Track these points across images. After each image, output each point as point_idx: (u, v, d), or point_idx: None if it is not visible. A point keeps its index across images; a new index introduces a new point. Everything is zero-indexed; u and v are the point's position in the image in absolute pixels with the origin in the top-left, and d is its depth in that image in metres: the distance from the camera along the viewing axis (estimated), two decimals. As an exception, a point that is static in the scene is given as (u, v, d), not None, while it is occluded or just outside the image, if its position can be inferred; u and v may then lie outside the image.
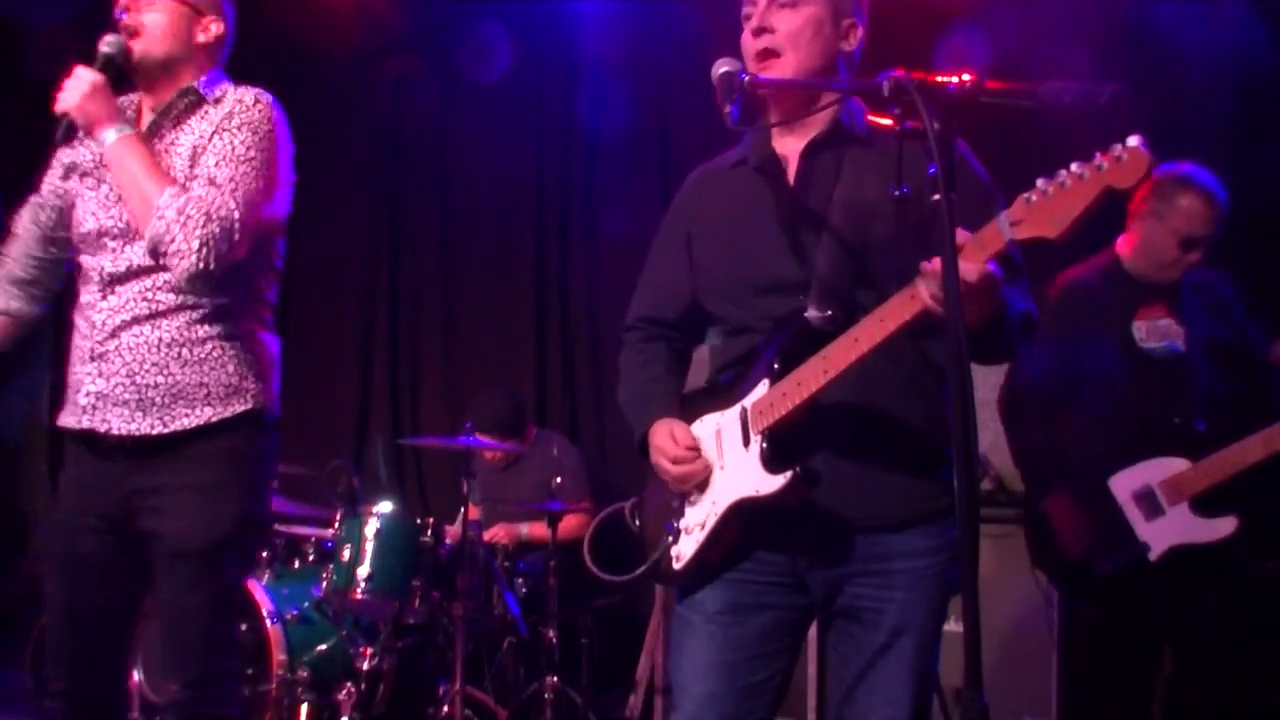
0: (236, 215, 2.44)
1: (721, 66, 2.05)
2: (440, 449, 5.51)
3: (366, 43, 6.24)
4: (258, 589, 4.52)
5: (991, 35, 4.66)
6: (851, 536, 2.08)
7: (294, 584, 4.68)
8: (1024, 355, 3.35)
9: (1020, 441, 3.50)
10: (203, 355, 2.54)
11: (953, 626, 3.93)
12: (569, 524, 4.85)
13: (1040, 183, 1.71)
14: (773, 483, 2.02)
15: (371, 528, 4.39)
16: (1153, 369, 3.28)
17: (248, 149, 2.51)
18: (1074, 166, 1.68)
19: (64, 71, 2.57)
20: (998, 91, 1.70)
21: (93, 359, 2.55)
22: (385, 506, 4.53)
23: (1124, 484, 3.24)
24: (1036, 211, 1.71)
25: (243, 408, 2.57)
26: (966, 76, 1.70)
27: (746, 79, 2.03)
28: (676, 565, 2.18)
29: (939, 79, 1.69)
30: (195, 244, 2.39)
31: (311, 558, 4.92)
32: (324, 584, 4.42)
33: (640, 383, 2.37)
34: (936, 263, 1.74)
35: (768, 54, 2.12)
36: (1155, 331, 3.32)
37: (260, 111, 2.56)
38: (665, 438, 2.19)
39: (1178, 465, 3.20)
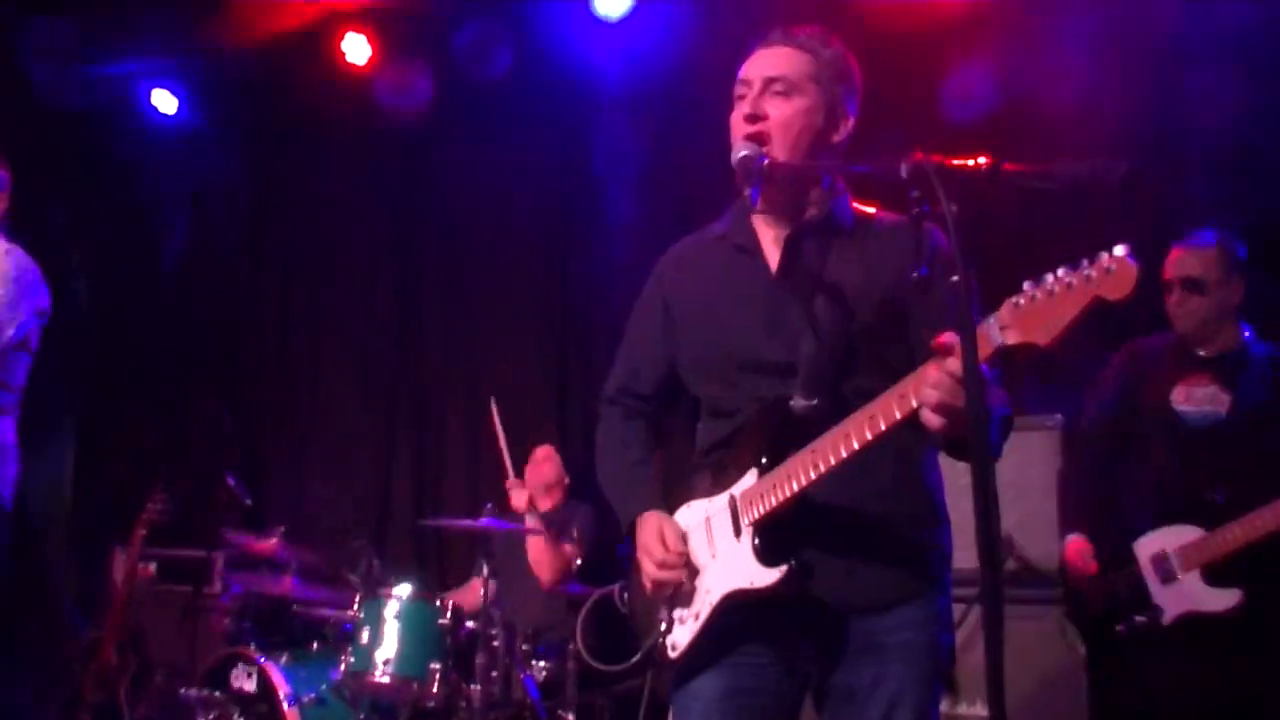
0: None
1: (740, 150, 2.08)
2: (460, 530, 5.48)
3: (387, 110, 6.36)
4: (275, 671, 4.50)
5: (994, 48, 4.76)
6: (841, 621, 2.09)
7: (312, 666, 4.66)
8: (1087, 409, 3.68)
9: (1070, 484, 3.74)
10: None
11: (979, 710, 3.95)
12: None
13: (1027, 286, 1.69)
14: (767, 576, 2.02)
15: (391, 610, 4.37)
16: (1186, 435, 3.38)
17: None
18: (1061, 273, 1.66)
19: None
20: (1014, 174, 1.71)
21: None
22: (404, 589, 4.51)
23: (1146, 547, 3.34)
24: (1025, 317, 1.69)
25: None
26: (983, 160, 1.71)
27: (766, 163, 2.06)
28: (672, 654, 2.18)
29: (956, 162, 1.71)
30: None
31: (330, 640, 4.89)
32: (342, 666, 4.39)
33: (622, 465, 2.39)
34: (945, 339, 1.75)
35: (757, 139, 2.12)
36: (1194, 397, 3.42)
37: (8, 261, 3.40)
38: (654, 537, 2.18)
39: (1192, 533, 3.28)
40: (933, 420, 1.80)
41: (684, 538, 2.19)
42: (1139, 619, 3.27)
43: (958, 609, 3.87)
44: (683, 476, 2.29)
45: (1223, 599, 3.19)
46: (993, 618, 1.59)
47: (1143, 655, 3.31)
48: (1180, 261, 3.44)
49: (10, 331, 3.44)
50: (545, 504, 5.23)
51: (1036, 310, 1.68)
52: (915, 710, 2.06)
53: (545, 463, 5.27)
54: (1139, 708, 3.36)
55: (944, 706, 4.00)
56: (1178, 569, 3.26)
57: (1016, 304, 1.71)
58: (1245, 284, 3.44)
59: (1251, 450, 3.32)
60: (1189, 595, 3.23)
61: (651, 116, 5.80)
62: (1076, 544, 3.48)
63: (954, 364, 1.74)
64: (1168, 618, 3.24)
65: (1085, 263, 1.64)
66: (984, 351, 1.72)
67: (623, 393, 2.45)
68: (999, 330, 1.72)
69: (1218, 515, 3.23)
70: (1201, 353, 3.45)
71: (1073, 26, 4.71)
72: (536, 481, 5.25)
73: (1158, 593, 3.27)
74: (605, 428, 2.47)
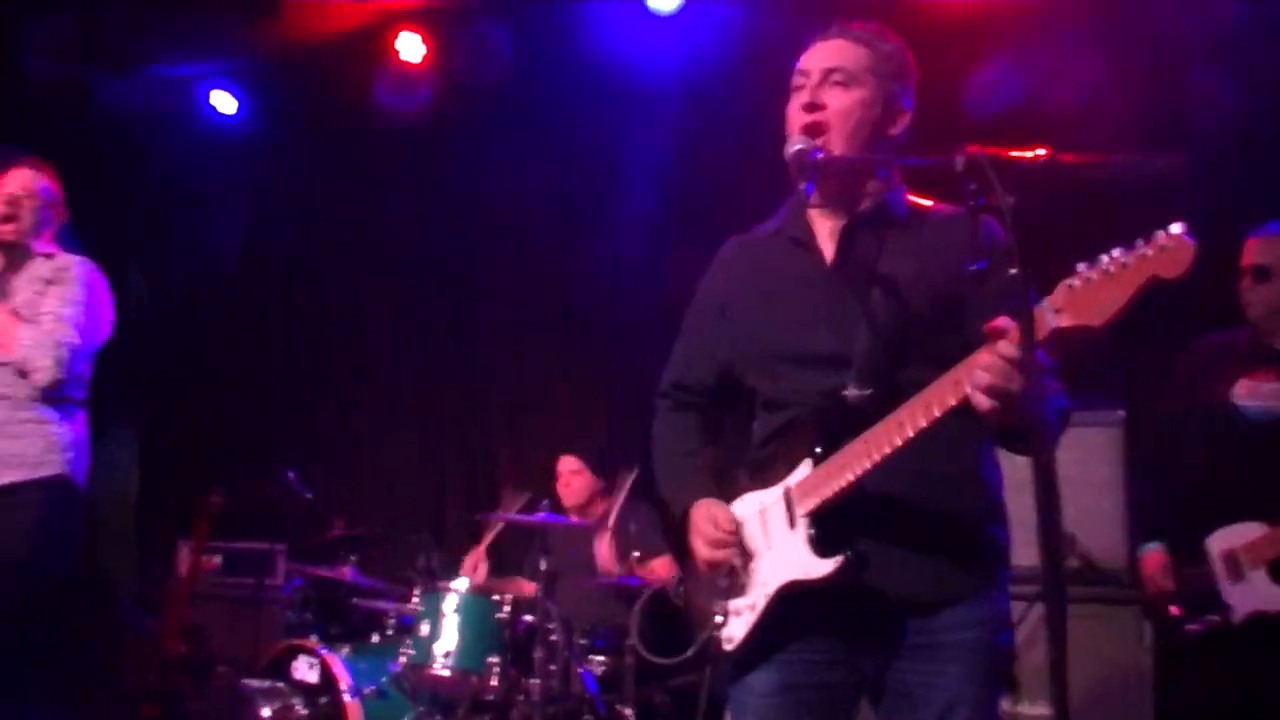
0: (77, 342, 3.50)
1: (795, 144, 2.08)
2: (515, 525, 5.51)
3: (441, 112, 6.41)
4: (336, 663, 4.56)
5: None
6: (898, 615, 2.06)
7: (372, 658, 4.71)
8: (1154, 408, 3.63)
9: (1136, 485, 3.66)
10: (19, 432, 3.44)
11: (1040, 709, 3.90)
12: (658, 571, 4.79)
13: (1082, 268, 1.67)
14: (822, 566, 2.01)
15: (450, 603, 4.41)
16: (1248, 432, 3.31)
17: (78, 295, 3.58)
18: (1117, 253, 1.64)
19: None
20: (1071, 165, 1.68)
21: None
22: (463, 583, 4.55)
23: (1216, 544, 3.28)
24: (1080, 299, 1.67)
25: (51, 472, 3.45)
26: (1040, 151, 1.69)
27: (820, 156, 2.05)
28: (728, 647, 2.17)
29: (1012, 154, 1.68)
30: (50, 362, 3.42)
31: (390, 632, 4.95)
32: (402, 659, 4.44)
33: (675, 457, 2.39)
34: (998, 323, 1.73)
35: (815, 129, 2.12)
36: (1259, 393, 3.34)
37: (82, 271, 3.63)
38: (705, 520, 2.19)
39: (1257, 530, 3.22)
40: (984, 404, 1.76)
41: (736, 522, 2.18)
42: (1211, 618, 3.21)
43: (1019, 607, 3.84)
44: (736, 471, 2.29)
45: None
46: (1055, 615, 1.57)
47: (1211, 656, 3.26)
48: (1252, 249, 3.40)
49: (96, 338, 3.66)
50: (594, 514, 5.20)
51: (1092, 291, 1.66)
52: (974, 711, 2.03)
53: (575, 476, 5.18)
54: (1204, 709, 3.30)
55: (1005, 705, 3.96)
56: (1245, 567, 3.20)
57: (1071, 286, 1.69)
58: None
59: None
60: (1257, 593, 3.17)
61: (704, 112, 5.79)
62: (1157, 558, 3.41)
63: (1007, 347, 1.72)
64: (1238, 616, 3.18)
65: (1141, 242, 1.62)
66: (1038, 335, 1.69)
67: (675, 387, 2.46)
68: (1053, 313, 1.69)
69: None
70: (1272, 343, 3.39)
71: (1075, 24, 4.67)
72: (571, 500, 5.18)
73: (1228, 591, 3.22)
74: (658, 422, 2.48)
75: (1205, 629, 3.24)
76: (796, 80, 2.21)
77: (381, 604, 5.03)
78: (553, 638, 4.35)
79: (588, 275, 6.25)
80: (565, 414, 6.24)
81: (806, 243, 2.23)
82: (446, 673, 4.33)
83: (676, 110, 5.89)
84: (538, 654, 4.23)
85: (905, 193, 2.25)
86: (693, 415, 2.43)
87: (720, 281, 2.39)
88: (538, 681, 4.19)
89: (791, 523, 2.08)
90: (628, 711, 4.44)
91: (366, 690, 4.52)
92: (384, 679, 4.58)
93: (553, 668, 4.33)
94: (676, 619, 2.42)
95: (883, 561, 2.02)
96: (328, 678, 4.56)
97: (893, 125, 2.20)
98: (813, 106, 2.14)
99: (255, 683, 4.64)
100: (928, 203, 2.25)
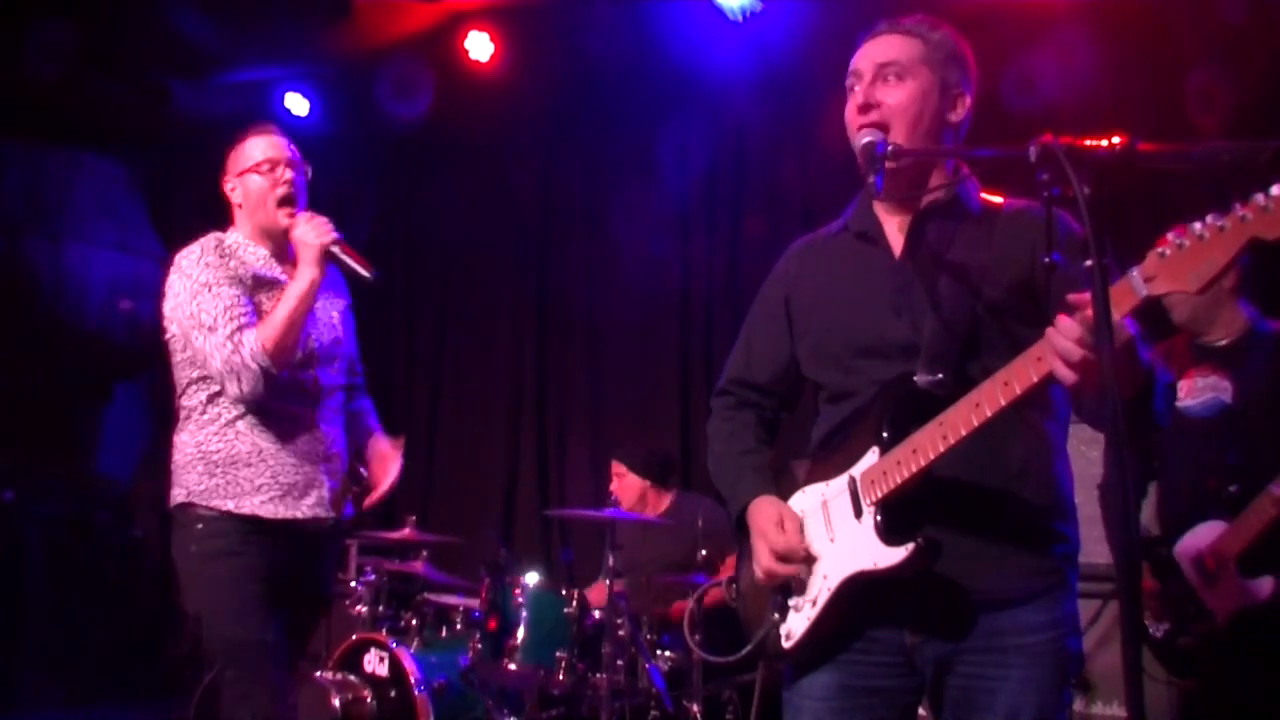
0: None
1: (863, 138, 2.06)
2: (585, 519, 5.54)
3: (517, 125, 6.46)
4: (406, 656, 4.61)
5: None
6: (964, 611, 2.00)
7: (442, 652, 4.76)
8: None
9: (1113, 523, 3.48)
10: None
11: (1115, 711, 3.83)
12: (717, 591, 4.80)
13: (1172, 236, 1.60)
14: (892, 555, 1.94)
15: (518, 598, 4.43)
16: (1194, 430, 3.28)
17: None
18: (1210, 218, 1.57)
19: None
20: (1151, 155, 1.63)
21: (325, 460, 3.06)
22: (532, 577, 4.57)
23: (1184, 551, 3.23)
24: (1172, 265, 1.60)
25: None
26: (1116, 140, 1.64)
27: (889, 149, 2.03)
28: (786, 644, 2.11)
29: (1088, 143, 1.64)
30: None
31: (459, 627, 4.99)
32: (471, 653, 4.48)
33: (731, 455, 2.35)
34: (1080, 296, 1.67)
35: (874, 130, 2.09)
36: (1196, 389, 3.32)
37: None
38: (772, 523, 2.13)
39: (1218, 529, 3.16)
40: (1067, 376, 1.70)
41: (802, 527, 2.13)
42: (1198, 627, 3.14)
43: (1094, 605, 3.78)
44: (796, 465, 2.24)
45: (1261, 588, 3.07)
46: (1130, 613, 1.53)
47: (1215, 661, 3.17)
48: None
49: None
50: (653, 511, 5.26)
51: (1185, 257, 1.59)
52: (1039, 718, 1.97)
53: (620, 479, 5.28)
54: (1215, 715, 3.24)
55: (1078, 706, 3.90)
56: (1216, 567, 3.12)
57: (1162, 254, 1.62)
58: (1241, 266, 3.28)
59: (1264, 431, 3.17)
60: (1233, 591, 3.09)
61: (777, 112, 5.77)
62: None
63: (1089, 316, 1.64)
64: (1222, 619, 3.11)
65: (1237, 205, 1.55)
66: (1129, 304, 1.64)
67: (734, 383, 2.42)
68: (1143, 282, 1.63)
69: (1236, 506, 3.11)
70: (1205, 341, 3.32)
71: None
72: (625, 503, 5.24)
73: (1206, 596, 3.14)
74: (714, 418, 2.44)
75: (1193, 641, 3.16)
76: (849, 81, 2.19)
77: (452, 599, 5.09)
78: (621, 633, 4.36)
79: (658, 276, 6.27)
80: (632, 414, 6.26)
81: (874, 236, 2.21)
82: (515, 667, 4.36)
83: (748, 110, 5.87)
84: (606, 649, 4.24)
85: (977, 186, 2.22)
86: (749, 414, 2.38)
87: (783, 281, 2.36)
88: (605, 676, 4.20)
89: (858, 512, 2.03)
90: (695, 708, 4.44)
91: (436, 684, 4.57)
92: (453, 673, 4.63)
93: (620, 663, 4.34)
94: (738, 615, 2.39)
95: (953, 551, 1.95)
96: (398, 671, 4.61)
97: (953, 112, 2.16)
98: (867, 107, 2.12)
99: (328, 675, 4.71)
100: (999, 199, 2.22)
